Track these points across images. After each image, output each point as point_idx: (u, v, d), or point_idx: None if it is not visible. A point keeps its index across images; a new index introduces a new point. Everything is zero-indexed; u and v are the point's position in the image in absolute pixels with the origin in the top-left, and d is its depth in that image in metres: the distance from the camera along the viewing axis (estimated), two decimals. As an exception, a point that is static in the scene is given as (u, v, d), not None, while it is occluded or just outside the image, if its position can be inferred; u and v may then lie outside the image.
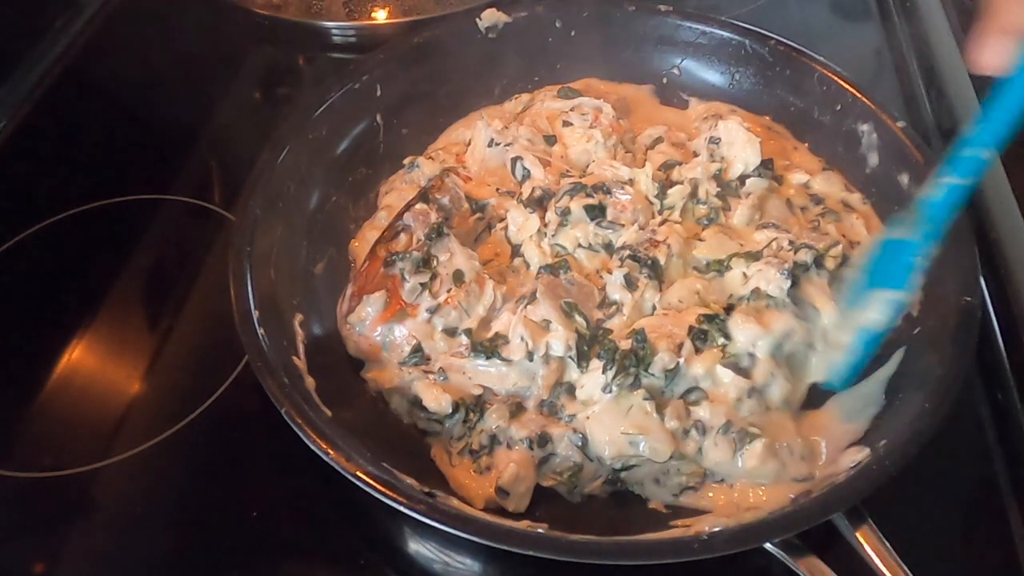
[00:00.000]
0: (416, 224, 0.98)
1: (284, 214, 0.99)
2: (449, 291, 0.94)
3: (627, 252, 0.98)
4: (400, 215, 1.00)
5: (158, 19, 1.49)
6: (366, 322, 0.94)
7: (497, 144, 1.11)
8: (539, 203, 1.04)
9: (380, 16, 1.43)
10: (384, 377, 0.94)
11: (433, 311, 0.93)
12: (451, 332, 0.94)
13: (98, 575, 0.86)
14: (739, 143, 1.08)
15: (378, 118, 1.14)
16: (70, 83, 1.38)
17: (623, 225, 1.01)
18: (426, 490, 0.79)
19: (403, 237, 0.98)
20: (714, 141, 1.10)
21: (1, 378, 1.01)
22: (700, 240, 1.01)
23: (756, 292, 0.94)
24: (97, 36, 1.45)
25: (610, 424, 0.87)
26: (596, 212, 1.01)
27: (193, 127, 1.31)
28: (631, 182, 1.05)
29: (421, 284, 0.94)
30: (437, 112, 1.19)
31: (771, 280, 0.94)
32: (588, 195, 1.02)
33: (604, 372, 0.89)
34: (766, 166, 1.07)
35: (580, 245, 1.00)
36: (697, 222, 1.04)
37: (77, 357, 1.03)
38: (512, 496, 0.85)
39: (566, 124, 1.14)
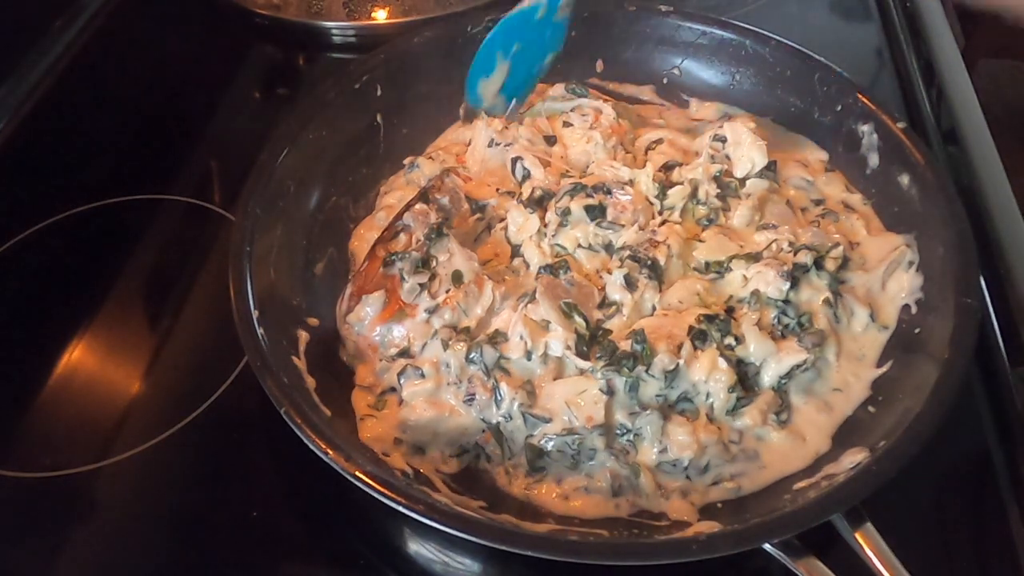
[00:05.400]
0: (416, 224, 0.98)
1: (284, 214, 0.99)
2: (448, 292, 0.94)
3: (627, 252, 0.98)
4: (400, 215, 1.00)
5: (158, 19, 1.50)
6: (365, 322, 0.94)
7: (497, 144, 1.11)
8: (539, 203, 1.04)
9: (380, 16, 1.43)
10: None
11: (432, 311, 0.93)
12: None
13: (98, 575, 0.86)
14: (746, 144, 1.07)
15: (378, 118, 1.14)
16: (70, 83, 1.38)
17: (623, 225, 1.00)
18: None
19: (402, 237, 0.98)
20: (719, 139, 1.09)
21: (1, 378, 1.01)
22: (700, 241, 1.01)
23: (756, 294, 0.94)
24: (97, 36, 1.45)
25: (563, 392, 0.87)
26: (596, 212, 1.01)
27: (193, 127, 1.31)
28: (631, 183, 1.05)
29: (420, 284, 0.94)
30: (437, 112, 1.19)
31: (770, 282, 0.94)
32: (588, 195, 1.02)
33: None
34: (769, 168, 1.07)
35: (580, 245, 1.00)
36: (697, 223, 1.04)
37: (77, 357, 1.03)
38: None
39: (566, 125, 1.14)
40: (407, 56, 1.16)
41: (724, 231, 1.01)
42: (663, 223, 1.01)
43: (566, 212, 1.01)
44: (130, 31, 1.47)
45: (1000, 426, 0.96)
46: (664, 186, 1.05)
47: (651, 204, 1.04)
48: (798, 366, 0.91)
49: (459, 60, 1.18)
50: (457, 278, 0.95)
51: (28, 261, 1.12)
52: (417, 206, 1.00)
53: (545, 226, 1.01)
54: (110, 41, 1.45)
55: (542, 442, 0.87)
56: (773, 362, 0.91)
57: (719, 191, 1.04)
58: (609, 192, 1.02)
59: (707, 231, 1.02)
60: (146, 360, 1.02)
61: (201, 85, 1.40)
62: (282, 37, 1.46)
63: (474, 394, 0.88)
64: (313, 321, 0.95)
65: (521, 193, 1.06)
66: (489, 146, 1.11)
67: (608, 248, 1.00)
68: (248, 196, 0.97)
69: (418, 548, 0.86)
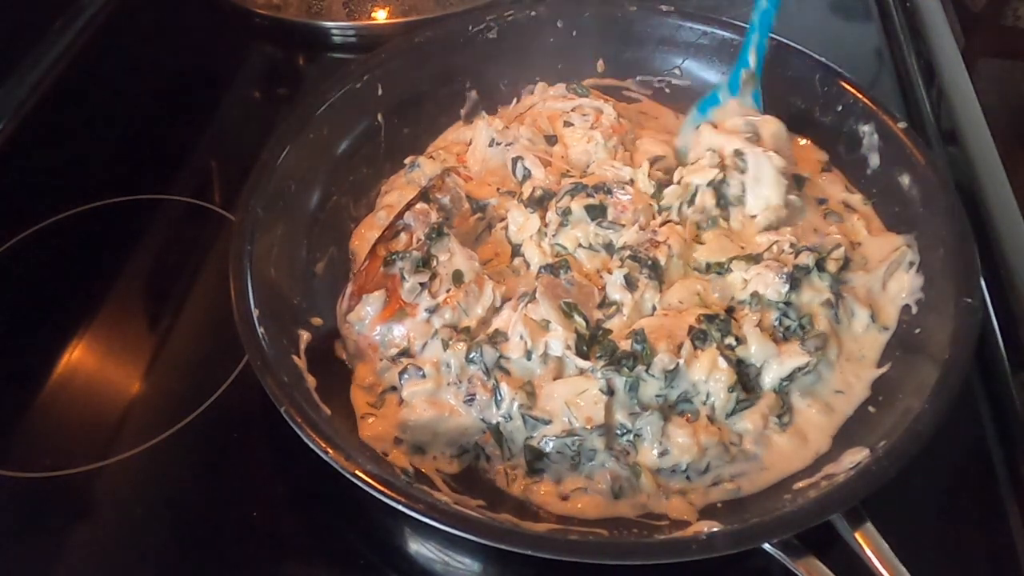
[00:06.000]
0: (416, 224, 0.98)
1: (285, 213, 0.99)
2: (448, 291, 0.94)
3: (628, 252, 0.97)
4: (400, 214, 1.00)
5: (158, 19, 1.50)
6: (365, 321, 0.94)
7: (498, 144, 1.11)
8: (539, 203, 1.04)
9: (380, 16, 1.43)
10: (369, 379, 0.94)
11: (432, 311, 0.93)
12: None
13: (98, 575, 0.86)
14: (766, 182, 1.02)
15: (379, 117, 1.14)
16: (70, 83, 1.38)
17: (624, 225, 1.00)
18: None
19: (403, 236, 0.98)
20: (740, 156, 1.04)
21: (1, 378, 1.01)
22: (700, 243, 1.00)
23: (755, 296, 0.94)
24: (97, 36, 1.45)
25: (563, 392, 0.87)
26: (597, 212, 1.01)
27: (193, 127, 1.31)
28: (632, 182, 1.05)
29: (420, 284, 0.94)
30: (438, 111, 1.19)
31: (769, 284, 0.94)
32: (589, 195, 1.02)
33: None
34: (798, 184, 1.05)
35: (581, 245, 1.00)
36: (697, 226, 1.03)
37: (77, 357, 1.03)
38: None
39: (567, 124, 1.13)
40: (408, 56, 1.16)
41: (726, 232, 1.01)
42: (664, 223, 1.01)
43: (567, 212, 1.01)
44: (130, 31, 1.48)
45: (1000, 426, 0.96)
46: (662, 184, 1.04)
47: (652, 204, 1.04)
48: (800, 369, 0.90)
49: (459, 60, 1.19)
50: (457, 278, 0.95)
51: (28, 261, 1.12)
52: (418, 205, 1.00)
53: (546, 226, 1.01)
54: (110, 41, 1.45)
55: (541, 443, 0.87)
56: (775, 364, 0.91)
57: (720, 201, 1.03)
58: (610, 192, 1.02)
59: (708, 232, 1.01)
60: (146, 360, 1.02)
61: (201, 85, 1.40)
62: (282, 37, 1.46)
63: (474, 394, 0.88)
64: (317, 321, 0.96)
65: (522, 193, 1.06)
66: (490, 146, 1.11)
67: (609, 248, 1.00)
68: (249, 195, 0.97)
69: (418, 548, 0.86)
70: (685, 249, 0.99)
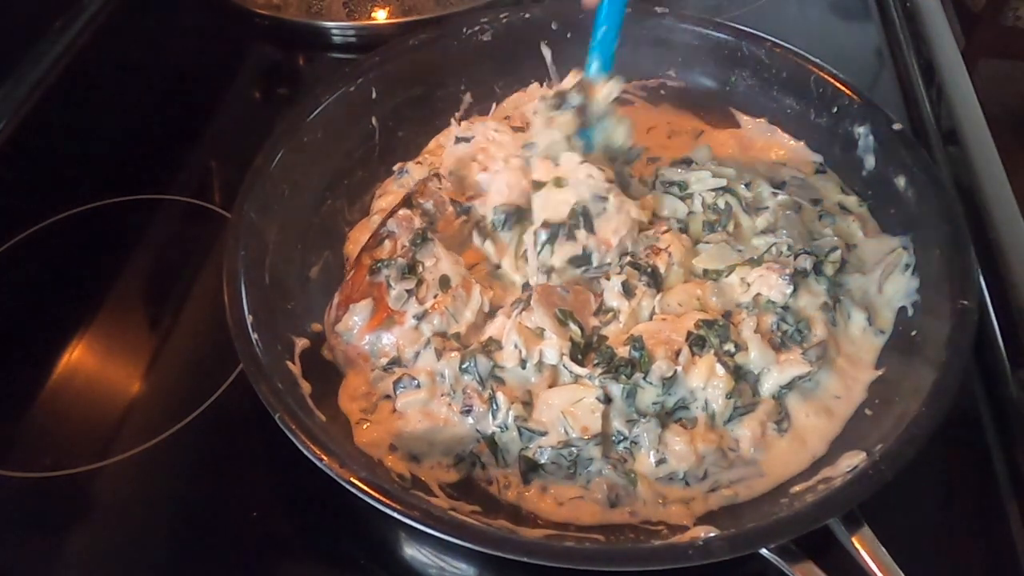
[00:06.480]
0: (400, 230, 0.98)
1: (279, 217, 0.99)
2: (435, 297, 0.93)
3: (627, 259, 0.96)
4: (384, 222, 1.00)
5: (158, 19, 1.50)
6: (353, 331, 0.94)
7: (463, 140, 1.08)
8: (508, 223, 0.99)
9: (380, 16, 1.43)
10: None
11: (420, 317, 0.92)
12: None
13: (98, 575, 0.86)
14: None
15: (374, 121, 1.14)
16: (70, 83, 1.38)
17: (611, 264, 0.97)
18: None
19: (388, 244, 0.98)
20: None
21: (1, 378, 1.01)
22: (706, 243, 1.00)
23: (757, 299, 0.94)
24: (97, 36, 1.45)
25: (559, 401, 0.87)
26: (581, 261, 0.96)
27: (193, 127, 1.31)
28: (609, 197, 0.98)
29: (407, 291, 0.94)
30: (433, 114, 1.19)
31: (773, 285, 0.93)
32: (569, 237, 0.96)
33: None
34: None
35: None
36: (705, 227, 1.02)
37: (77, 357, 1.03)
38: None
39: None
40: (402, 59, 1.16)
41: (726, 238, 1.00)
42: (667, 230, 0.99)
43: (550, 270, 0.96)
44: (130, 31, 1.48)
45: (1000, 426, 0.96)
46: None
47: (637, 219, 0.99)
48: (800, 377, 0.90)
49: (454, 63, 1.19)
50: (444, 283, 0.95)
51: (28, 261, 1.12)
52: (401, 212, 0.99)
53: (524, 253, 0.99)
54: (110, 41, 1.46)
55: (536, 454, 0.86)
56: (775, 371, 0.90)
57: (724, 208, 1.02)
58: (589, 221, 0.96)
59: (712, 235, 1.01)
60: (146, 360, 1.02)
61: (201, 85, 1.40)
62: (282, 37, 1.46)
63: (471, 405, 0.87)
64: (312, 326, 0.96)
65: (484, 218, 1.01)
66: (456, 143, 1.08)
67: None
68: (243, 199, 0.97)
69: (414, 552, 0.87)
70: (686, 257, 0.98)
